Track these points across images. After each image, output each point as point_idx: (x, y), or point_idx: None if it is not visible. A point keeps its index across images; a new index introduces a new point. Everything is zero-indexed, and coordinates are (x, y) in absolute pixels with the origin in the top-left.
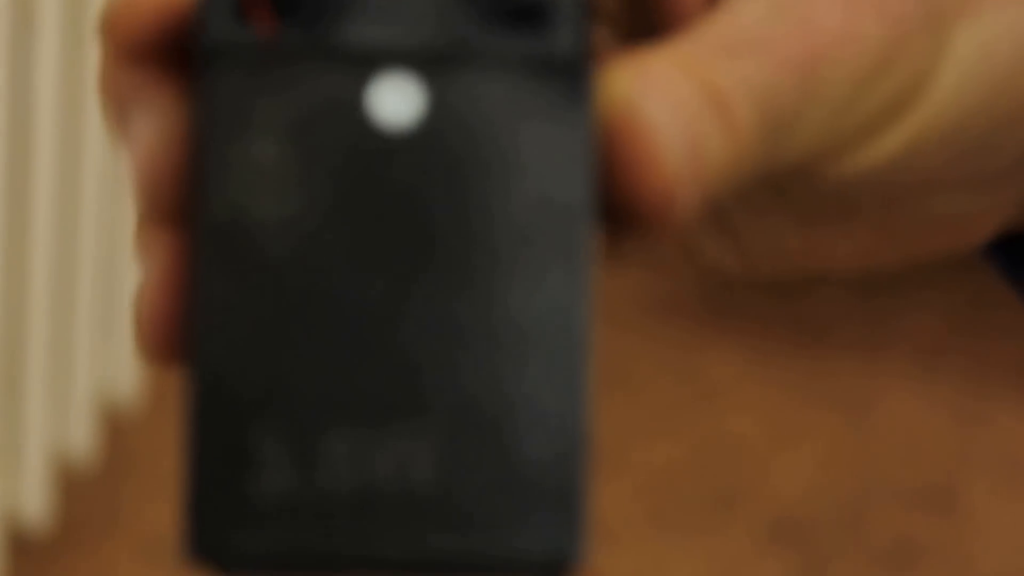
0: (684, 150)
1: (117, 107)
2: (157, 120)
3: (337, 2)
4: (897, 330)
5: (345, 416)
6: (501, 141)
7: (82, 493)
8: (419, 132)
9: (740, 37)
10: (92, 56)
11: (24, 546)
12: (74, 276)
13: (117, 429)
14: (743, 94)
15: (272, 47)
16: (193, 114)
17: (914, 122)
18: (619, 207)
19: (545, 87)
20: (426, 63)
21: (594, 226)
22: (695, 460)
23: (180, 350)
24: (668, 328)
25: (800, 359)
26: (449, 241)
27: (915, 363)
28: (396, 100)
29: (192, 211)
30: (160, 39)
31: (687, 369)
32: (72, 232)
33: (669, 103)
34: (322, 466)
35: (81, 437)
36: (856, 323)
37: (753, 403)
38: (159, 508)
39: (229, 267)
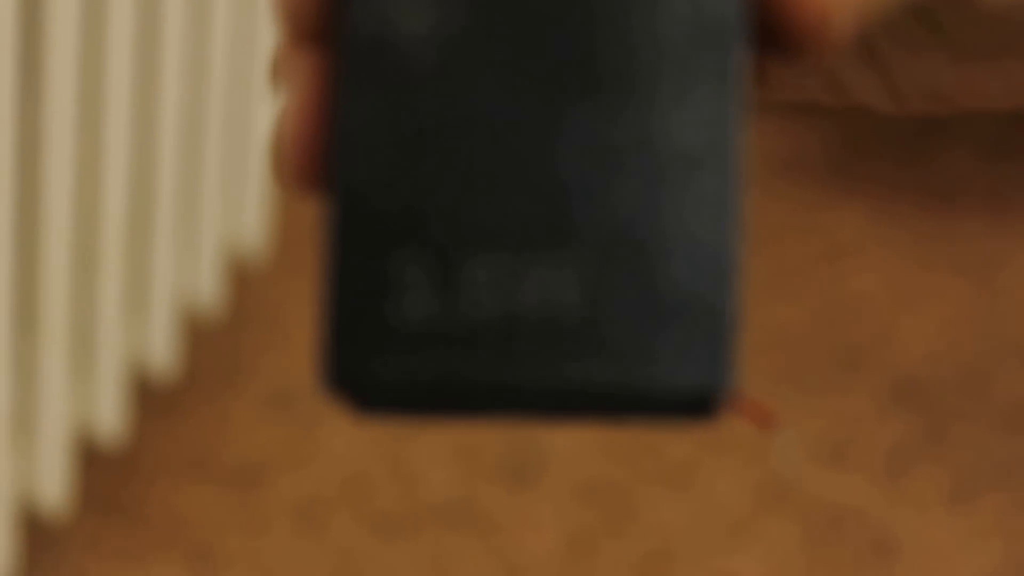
0: None
1: None
2: None
3: None
4: (1023, 195)
5: (490, 241)
6: None
7: (207, 342)
8: None
9: None
10: None
11: (150, 393)
12: (202, 125)
13: (242, 280)
14: None
15: None
16: None
17: None
18: (773, 27)
19: None
20: None
21: (747, 47)
22: (818, 320)
23: (321, 175)
24: (792, 187)
25: (925, 221)
26: (600, 60)
27: None
28: None
29: (335, 26)
30: None
31: (811, 228)
32: (200, 81)
33: None
34: (465, 292)
35: (207, 287)
36: (982, 187)
37: (877, 264)
38: (282, 359)
39: (373, 84)
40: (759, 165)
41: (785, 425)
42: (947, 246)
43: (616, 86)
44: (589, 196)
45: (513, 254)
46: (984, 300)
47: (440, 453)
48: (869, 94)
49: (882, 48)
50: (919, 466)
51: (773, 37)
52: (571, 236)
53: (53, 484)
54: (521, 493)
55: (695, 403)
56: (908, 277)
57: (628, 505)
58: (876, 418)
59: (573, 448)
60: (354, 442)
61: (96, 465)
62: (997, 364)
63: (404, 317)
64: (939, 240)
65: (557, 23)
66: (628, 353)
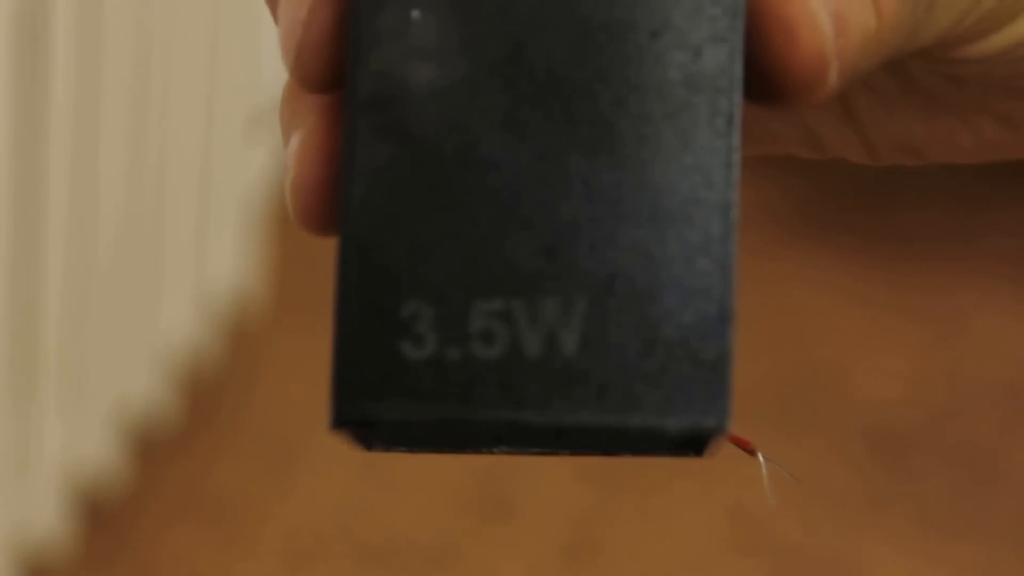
0: (832, 22)
1: None
2: None
3: None
4: (987, 248)
5: (493, 285)
6: (652, 6)
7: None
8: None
9: None
10: None
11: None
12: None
13: (195, 386)
14: None
15: None
16: None
17: None
18: (764, 77)
19: None
20: None
21: (741, 95)
22: (780, 365)
23: (332, 218)
24: (754, 236)
25: (890, 271)
26: (599, 109)
27: (1007, 280)
28: None
29: (345, 78)
30: None
31: (774, 276)
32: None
33: None
34: (468, 335)
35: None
36: (947, 235)
37: (842, 312)
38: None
39: (380, 133)
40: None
41: (766, 454)
42: (913, 294)
43: (614, 131)
44: (588, 243)
45: (514, 299)
46: (950, 347)
47: (419, 494)
48: (844, 148)
49: (856, 103)
50: (889, 512)
51: (766, 85)
52: (571, 282)
53: None
54: (497, 528)
55: (692, 444)
56: (873, 325)
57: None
58: (844, 464)
59: (550, 487)
60: None
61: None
62: (964, 408)
63: (407, 361)
64: (905, 289)
65: (558, 73)
66: (626, 396)
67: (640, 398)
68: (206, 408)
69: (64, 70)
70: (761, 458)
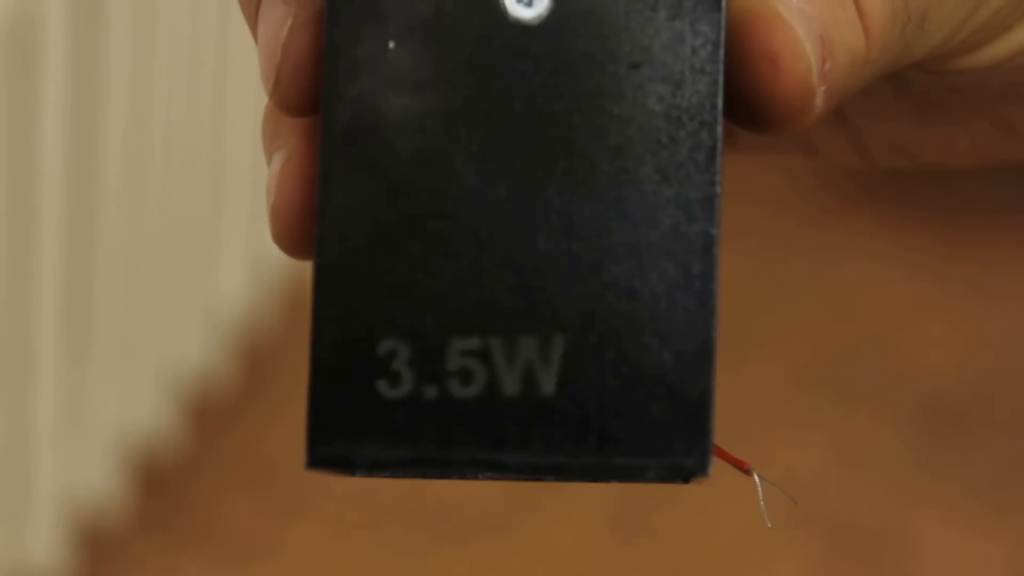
0: (817, 47)
1: None
2: (288, 6)
3: None
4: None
5: (471, 323)
6: (631, 37)
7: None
8: (549, 27)
9: None
10: None
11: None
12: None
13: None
14: None
15: None
16: (326, 6)
17: None
18: (748, 105)
19: None
20: None
21: (722, 126)
22: (827, 336)
23: (308, 243)
24: (798, 201)
25: (932, 238)
26: (578, 142)
27: None
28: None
29: (320, 107)
30: None
31: (816, 244)
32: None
33: None
34: (446, 373)
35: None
36: (984, 204)
37: (886, 278)
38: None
39: (355, 167)
40: (770, 179)
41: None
42: (967, 264)
43: (593, 166)
44: (567, 279)
45: (492, 337)
46: (1004, 318)
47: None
48: (837, 152)
49: (849, 108)
50: (942, 484)
51: (750, 113)
52: (549, 319)
53: None
54: (547, 498)
55: (675, 479)
56: (926, 295)
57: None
58: (897, 435)
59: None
60: None
61: None
62: (1018, 378)
63: (383, 400)
64: (958, 258)
65: (536, 105)
66: (605, 437)
67: (619, 439)
68: (261, 374)
69: (118, 42)
70: (756, 478)
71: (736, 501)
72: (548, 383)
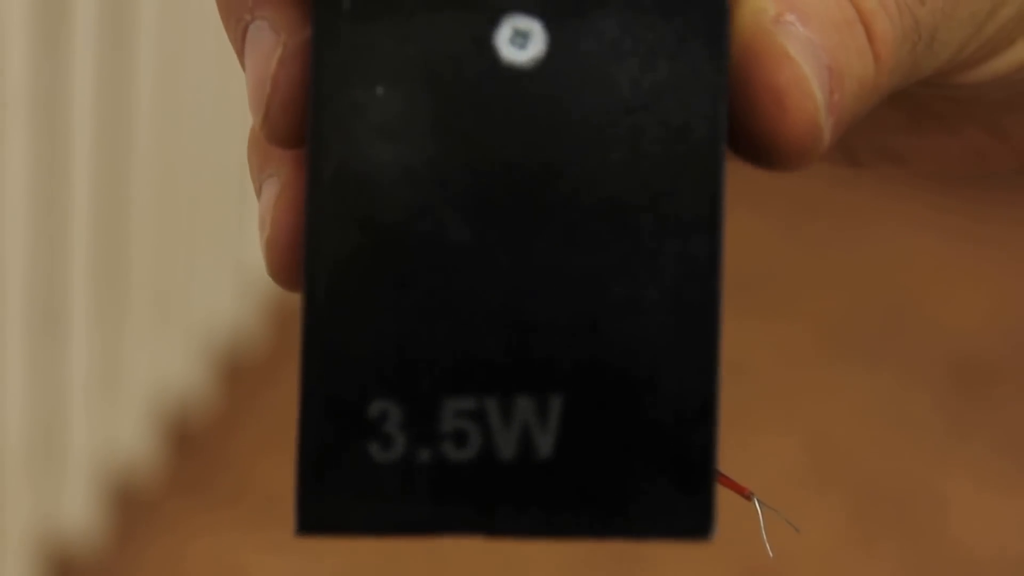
0: (826, 78)
1: (237, 16)
2: (277, 35)
3: None
4: None
5: (465, 382)
6: (629, 80)
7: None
8: (543, 71)
9: None
10: None
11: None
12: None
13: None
14: (884, 12)
15: None
16: (311, 48)
17: None
18: (754, 143)
19: (678, 17)
20: (551, 4)
21: (725, 169)
22: (864, 298)
23: (299, 278)
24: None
25: (967, 201)
26: (574, 192)
27: None
28: (520, 42)
29: (305, 156)
30: None
31: (851, 207)
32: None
33: (808, 26)
34: (439, 435)
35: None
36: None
37: (922, 245)
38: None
39: (343, 220)
40: None
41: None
42: (995, 225)
43: (593, 221)
44: (563, 336)
45: (487, 397)
46: (1020, 272)
47: None
48: (829, 159)
49: None
50: (970, 443)
51: (756, 151)
52: (545, 378)
53: None
54: None
55: (676, 539)
56: (954, 255)
57: None
58: (925, 394)
59: None
60: None
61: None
62: None
63: (375, 464)
64: (986, 219)
65: (531, 155)
66: (604, 506)
67: (619, 504)
68: (295, 332)
69: (147, 27)
70: (757, 504)
71: (764, 459)
72: (545, 445)
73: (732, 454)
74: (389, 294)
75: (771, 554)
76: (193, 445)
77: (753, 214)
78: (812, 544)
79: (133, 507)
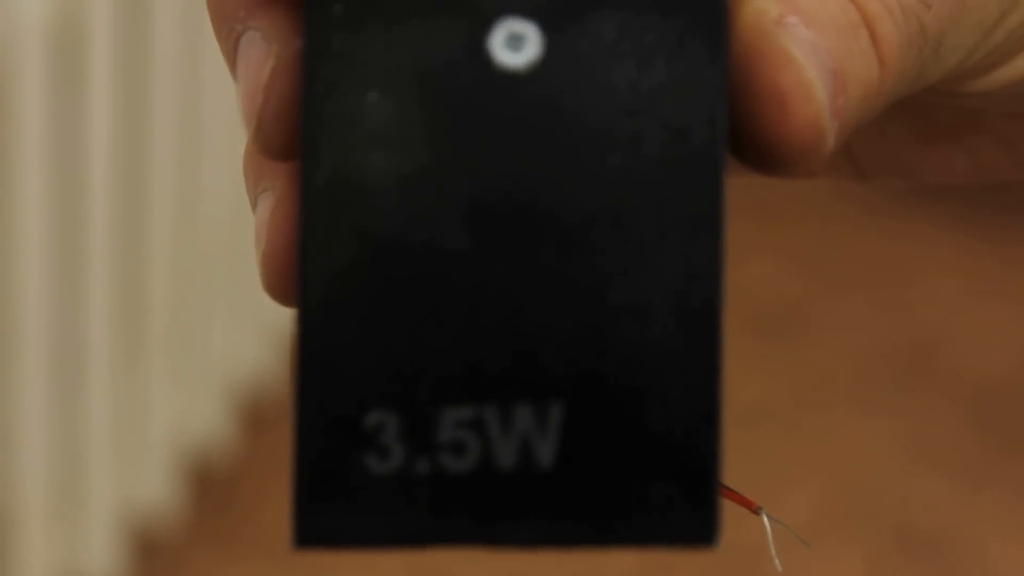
0: (829, 82)
1: (228, 26)
2: (269, 45)
3: None
4: None
5: (463, 391)
6: (628, 82)
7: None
8: (539, 75)
9: None
10: None
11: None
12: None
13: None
14: (889, 16)
15: None
16: (302, 56)
17: None
18: (756, 147)
19: (677, 18)
20: (546, 6)
21: (727, 175)
22: (892, 324)
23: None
24: (862, 191)
25: (1004, 229)
26: (572, 197)
27: None
28: (515, 46)
29: (298, 166)
30: None
31: (883, 231)
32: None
33: (812, 28)
34: (437, 446)
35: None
36: None
37: (953, 271)
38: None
39: (337, 231)
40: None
41: (768, 511)
42: (1017, 270)
43: (592, 226)
44: (563, 343)
45: (485, 406)
46: None
47: None
48: (832, 170)
49: None
50: (1004, 473)
51: (758, 156)
52: (545, 386)
53: None
54: None
55: (680, 548)
56: (981, 280)
57: None
58: (957, 423)
59: None
60: None
61: None
62: None
63: (372, 475)
64: (1008, 263)
65: (528, 160)
66: (607, 516)
67: (621, 513)
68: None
69: (165, 34)
70: (765, 519)
71: (802, 489)
72: (545, 454)
73: (766, 483)
74: (384, 304)
75: (779, 569)
76: (215, 489)
77: (777, 255)
78: None
79: (154, 551)
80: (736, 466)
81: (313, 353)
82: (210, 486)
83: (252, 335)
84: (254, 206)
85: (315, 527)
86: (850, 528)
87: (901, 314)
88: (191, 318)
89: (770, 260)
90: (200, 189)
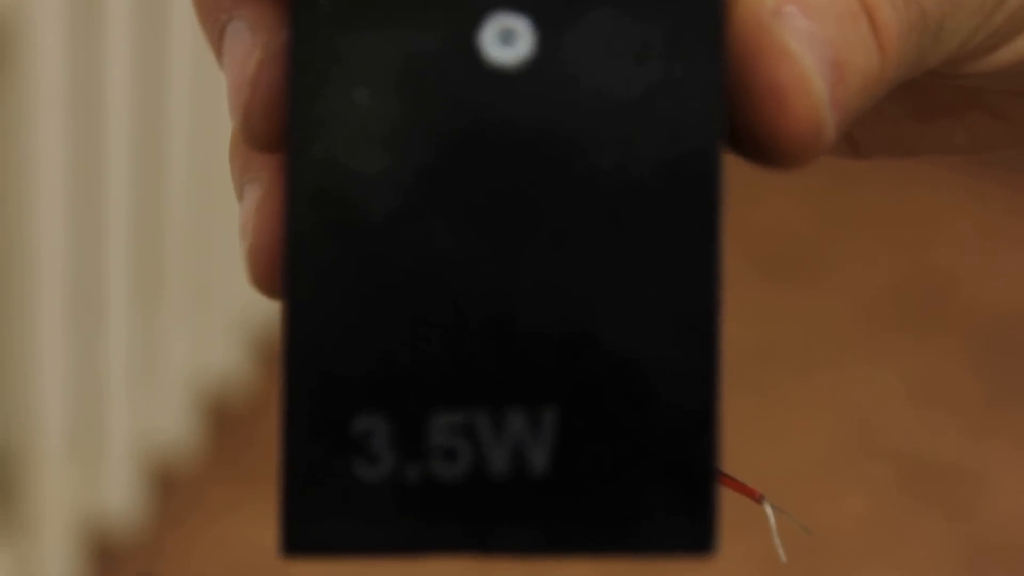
0: (829, 74)
1: (213, 16)
2: (255, 36)
3: None
4: None
5: (454, 395)
6: (621, 80)
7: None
8: (530, 72)
9: None
10: None
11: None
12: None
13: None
14: (889, 2)
15: None
16: (289, 50)
17: None
18: (755, 142)
19: (673, 12)
20: (539, 0)
21: (724, 170)
22: (909, 272)
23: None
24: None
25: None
26: (564, 197)
27: None
28: (507, 42)
29: (284, 165)
30: None
31: (901, 177)
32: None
33: (810, 17)
34: (428, 451)
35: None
36: None
37: (967, 219)
38: None
39: (324, 231)
40: None
41: (772, 501)
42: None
43: (584, 227)
44: (556, 345)
45: (477, 410)
46: None
47: None
48: (830, 149)
49: None
50: (1013, 413)
51: (757, 149)
52: (538, 389)
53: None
54: None
55: (678, 555)
56: (992, 224)
57: None
58: (967, 364)
59: None
60: None
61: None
62: None
63: (361, 483)
64: (1010, 183)
65: (519, 160)
66: (601, 525)
67: (616, 523)
68: None
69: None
70: (768, 509)
71: (808, 432)
72: (539, 460)
73: (775, 424)
74: (373, 304)
75: (783, 558)
76: (232, 427)
77: (789, 198)
78: (857, 516)
79: (172, 487)
80: (745, 405)
81: (300, 354)
82: (228, 424)
83: None
84: (240, 196)
85: (304, 535)
86: (856, 467)
87: (911, 256)
88: (209, 256)
89: (781, 202)
90: (219, 130)
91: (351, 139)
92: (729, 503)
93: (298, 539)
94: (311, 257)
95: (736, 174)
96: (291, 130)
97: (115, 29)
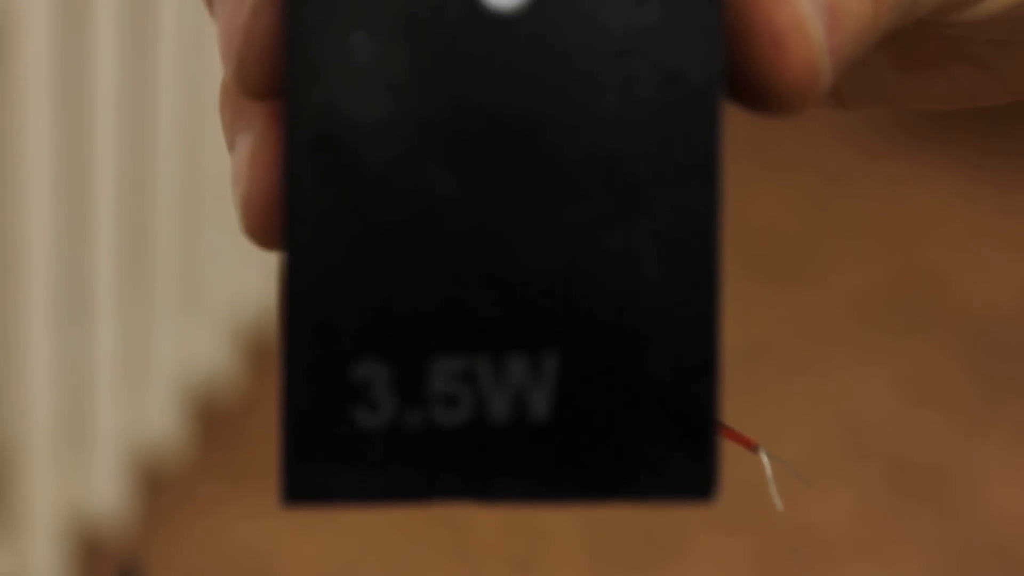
0: (825, 18)
1: None
2: None
3: None
4: None
5: (454, 340)
6: (619, 22)
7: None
8: (528, 16)
9: None
10: None
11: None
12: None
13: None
14: None
15: None
16: None
17: None
18: (752, 87)
19: None
20: None
21: (722, 114)
22: (898, 272)
23: (276, 236)
24: (869, 133)
25: (1009, 173)
26: (563, 141)
27: None
28: None
29: (282, 112)
30: None
31: (890, 178)
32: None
33: None
34: (428, 398)
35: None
36: None
37: (957, 218)
38: None
39: (324, 177)
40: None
41: (767, 449)
42: (1013, 191)
43: (584, 171)
44: (558, 291)
45: (477, 356)
46: None
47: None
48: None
49: None
50: (1001, 412)
51: (754, 94)
52: (538, 335)
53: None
54: None
55: (678, 501)
56: (982, 224)
57: None
58: (956, 365)
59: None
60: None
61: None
62: None
63: (362, 429)
64: (1001, 185)
65: (518, 104)
66: (602, 470)
67: (617, 466)
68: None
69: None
70: (764, 457)
71: (799, 431)
72: (540, 405)
73: (767, 420)
74: (372, 251)
75: (780, 505)
76: (222, 427)
77: (780, 197)
78: (846, 513)
79: (159, 483)
80: (736, 403)
81: (299, 301)
82: (215, 421)
83: (256, 270)
84: (231, 146)
85: (304, 483)
86: (846, 466)
87: (902, 255)
88: (197, 252)
89: (773, 202)
90: (207, 120)
91: (349, 84)
92: (725, 500)
93: (299, 487)
94: (309, 202)
95: (727, 174)
96: (289, 75)
97: (102, 29)
